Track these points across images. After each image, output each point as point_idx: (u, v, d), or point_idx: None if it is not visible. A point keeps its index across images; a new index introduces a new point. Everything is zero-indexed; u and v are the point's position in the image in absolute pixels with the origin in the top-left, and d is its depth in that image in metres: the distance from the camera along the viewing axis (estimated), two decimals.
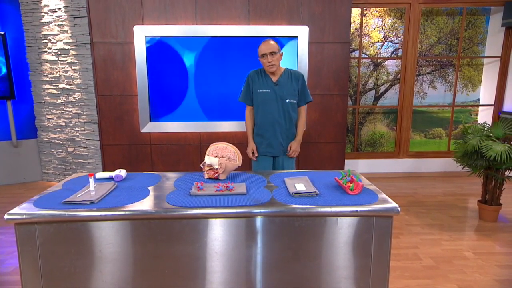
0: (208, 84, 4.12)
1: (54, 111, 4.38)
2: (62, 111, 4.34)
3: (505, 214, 3.56)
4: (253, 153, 2.69)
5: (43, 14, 4.16)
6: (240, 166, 2.06)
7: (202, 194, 1.72)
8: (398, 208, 1.59)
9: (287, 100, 2.58)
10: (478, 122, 4.96)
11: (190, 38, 4.00)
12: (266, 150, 2.66)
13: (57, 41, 4.16)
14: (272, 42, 2.50)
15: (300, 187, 1.79)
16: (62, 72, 4.22)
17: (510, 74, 4.77)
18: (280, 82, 2.57)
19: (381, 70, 4.82)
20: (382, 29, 4.72)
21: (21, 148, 4.62)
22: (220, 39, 4.02)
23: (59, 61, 4.21)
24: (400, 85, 4.84)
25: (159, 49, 4.01)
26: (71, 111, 4.29)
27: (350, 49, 4.62)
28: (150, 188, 1.85)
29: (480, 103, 4.96)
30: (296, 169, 2.61)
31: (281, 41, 4.02)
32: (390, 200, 1.65)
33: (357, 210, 1.56)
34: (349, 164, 4.83)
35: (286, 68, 2.64)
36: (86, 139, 4.30)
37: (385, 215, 1.58)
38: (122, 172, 2.00)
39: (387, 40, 4.75)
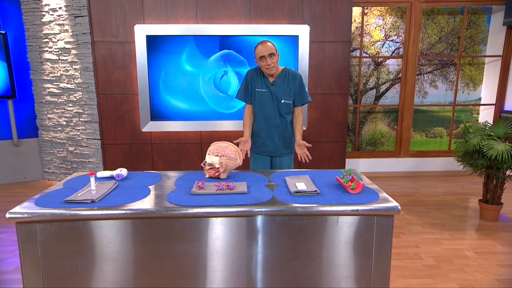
0: (209, 83, 4.12)
1: (55, 110, 4.38)
2: (63, 110, 4.34)
3: (506, 213, 3.55)
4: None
5: (44, 13, 4.16)
6: (241, 165, 2.06)
7: (203, 193, 1.72)
8: (399, 207, 1.59)
9: (283, 101, 2.54)
10: (479, 121, 4.96)
11: (191, 37, 4.00)
12: (261, 149, 2.63)
13: (58, 40, 4.16)
14: (269, 43, 2.43)
15: (301, 186, 1.79)
16: (63, 71, 4.23)
17: (511, 73, 4.77)
18: (276, 82, 2.53)
19: (382, 69, 4.82)
20: (383, 28, 4.71)
21: (22, 147, 4.63)
22: (221, 38, 4.02)
23: (60, 60, 4.22)
24: (401, 84, 4.83)
25: (160, 48, 4.01)
26: (72, 110, 4.29)
27: (351, 48, 4.61)
28: (151, 187, 1.85)
29: (481, 102, 4.96)
30: (296, 168, 2.60)
31: (281, 40, 4.02)
32: (391, 199, 1.65)
33: (358, 209, 1.56)
34: (350, 163, 4.83)
35: (284, 67, 2.58)
36: (87, 138, 4.30)
37: (386, 214, 1.58)
38: (123, 171, 2.00)
39: (388, 39, 4.74)
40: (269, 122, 2.57)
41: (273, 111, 2.56)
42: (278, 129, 2.58)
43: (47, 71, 4.30)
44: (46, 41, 4.22)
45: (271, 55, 2.41)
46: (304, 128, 4.23)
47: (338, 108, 4.28)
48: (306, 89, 2.63)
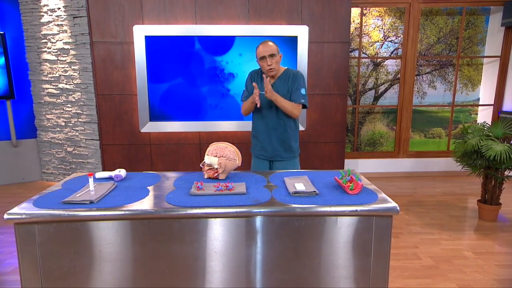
0: (208, 83, 4.12)
1: (53, 110, 4.38)
2: (62, 111, 4.34)
3: (505, 213, 3.56)
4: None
5: (42, 13, 4.15)
6: (239, 166, 2.06)
7: (202, 194, 1.72)
8: (398, 208, 1.59)
9: None
10: (478, 121, 4.96)
11: (190, 38, 4.00)
12: (260, 153, 2.57)
13: (57, 40, 4.16)
14: (271, 43, 2.35)
15: (300, 186, 1.79)
16: (62, 71, 4.22)
17: (510, 74, 4.77)
18: (276, 83, 2.44)
19: (381, 70, 4.82)
20: (382, 28, 4.72)
21: (21, 148, 4.62)
22: (220, 39, 4.02)
23: (58, 61, 4.21)
24: (399, 84, 4.84)
25: (158, 49, 4.01)
26: (71, 110, 4.28)
27: (350, 49, 4.62)
28: (150, 188, 1.84)
29: (480, 103, 4.97)
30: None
31: (280, 40, 4.02)
32: (389, 199, 1.65)
33: (356, 210, 1.56)
34: (349, 163, 4.83)
35: (287, 68, 2.48)
36: (85, 139, 4.29)
37: (385, 215, 1.58)
38: (121, 172, 2.00)
39: (387, 40, 4.75)
40: (267, 124, 2.50)
41: (271, 113, 2.47)
42: (276, 132, 2.49)
43: (46, 72, 4.30)
44: (45, 42, 4.21)
45: (272, 55, 2.33)
46: (303, 129, 4.23)
47: (337, 109, 4.28)
48: (303, 91, 2.43)
